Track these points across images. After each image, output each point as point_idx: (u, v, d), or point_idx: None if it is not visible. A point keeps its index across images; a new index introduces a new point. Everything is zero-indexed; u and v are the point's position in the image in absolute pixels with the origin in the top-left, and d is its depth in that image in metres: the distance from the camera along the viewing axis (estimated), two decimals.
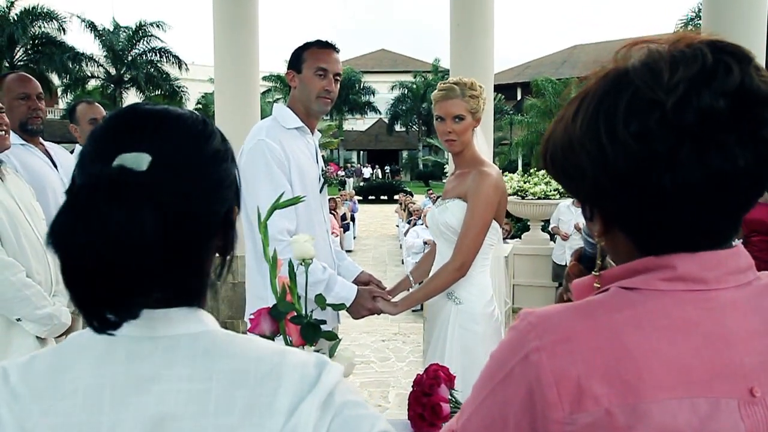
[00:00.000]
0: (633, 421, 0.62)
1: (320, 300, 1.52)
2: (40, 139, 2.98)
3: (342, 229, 12.71)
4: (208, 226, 0.70)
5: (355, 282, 2.35)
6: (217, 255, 0.75)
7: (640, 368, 0.63)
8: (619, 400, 0.62)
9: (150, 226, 0.61)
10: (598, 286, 0.73)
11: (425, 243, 8.41)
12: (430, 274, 2.42)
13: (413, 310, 6.63)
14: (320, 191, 2.31)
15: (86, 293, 0.62)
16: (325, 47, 2.27)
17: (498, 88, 31.38)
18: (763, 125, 0.62)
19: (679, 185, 0.63)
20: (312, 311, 1.44)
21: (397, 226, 15.16)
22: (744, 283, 0.68)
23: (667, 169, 0.63)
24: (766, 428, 0.64)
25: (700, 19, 5.02)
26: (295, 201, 1.53)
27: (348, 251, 12.61)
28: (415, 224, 10.83)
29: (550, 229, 7.10)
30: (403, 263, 10.53)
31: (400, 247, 12.12)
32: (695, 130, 0.62)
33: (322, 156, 2.47)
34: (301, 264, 1.49)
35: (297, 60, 2.26)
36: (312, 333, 1.41)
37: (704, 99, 0.61)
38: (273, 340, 1.44)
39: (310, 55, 2.25)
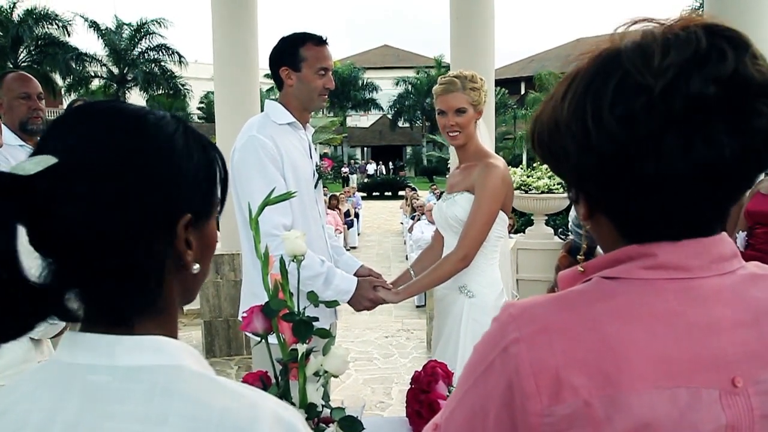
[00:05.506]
0: (612, 412, 0.61)
1: (312, 297, 1.50)
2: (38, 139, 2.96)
3: (346, 226, 12.71)
4: (139, 234, 0.62)
5: (355, 276, 2.33)
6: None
7: (619, 359, 0.62)
8: (597, 391, 0.61)
9: (12, 240, 0.55)
10: (582, 270, 0.71)
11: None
12: None
13: (417, 306, 6.64)
14: (315, 187, 2.29)
15: None
16: (322, 44, 2.25)
17: (502, 83, 31.31)
18: (755, 115, 0.60)
19: (663, 174, 0.62)
20: (305, 308, 1.43)
21: (402, 223, 15.15)
22: (728, 271, 0.67)
23: (650, 156, 0.61)
24: (747, 419, 0.63)
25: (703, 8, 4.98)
26: (286, 196, 1.52)
27: (352, 248, 12.64)
28: (419, 219, 10.83)
29: (569, 226, 7.04)
30: (407, 259, 10.52)
31: (404, 243, 12.11)
32: (682, 117, 0.60)
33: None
34: (293, 260, 1.48)
35: (293, 57, 2.22)
36: (304, 330, 1.40)
37: (693, 85, 0.59)
38: (266, 337, 1.43)
39: (310, 53, 2.21)
